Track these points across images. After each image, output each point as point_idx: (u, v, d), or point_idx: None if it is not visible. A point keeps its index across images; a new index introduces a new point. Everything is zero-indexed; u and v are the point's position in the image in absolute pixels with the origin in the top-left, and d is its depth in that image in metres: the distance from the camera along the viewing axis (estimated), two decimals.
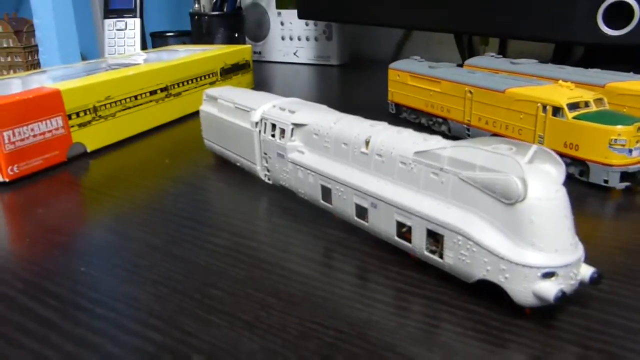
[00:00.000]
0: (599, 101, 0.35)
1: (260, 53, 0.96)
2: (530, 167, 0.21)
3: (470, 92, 0.42)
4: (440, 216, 0.23)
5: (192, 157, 0.43)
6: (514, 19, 0.59)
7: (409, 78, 0.49)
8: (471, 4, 0.60)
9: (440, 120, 0.46)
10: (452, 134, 0.45)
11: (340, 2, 0.72)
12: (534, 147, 0.21)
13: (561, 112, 0.35)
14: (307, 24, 0.88)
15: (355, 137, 0.27)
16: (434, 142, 0.24)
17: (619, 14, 0.53)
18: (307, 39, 0.89)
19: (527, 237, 0.20)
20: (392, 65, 0.51)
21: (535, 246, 0.20)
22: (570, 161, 0.35)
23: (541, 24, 0.58)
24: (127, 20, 0.75)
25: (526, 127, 0.37)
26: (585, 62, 0.68)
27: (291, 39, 0.91)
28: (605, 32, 0.54)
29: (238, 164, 0.38)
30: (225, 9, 0.77)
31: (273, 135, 0.33)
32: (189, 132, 0.51)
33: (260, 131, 0.34)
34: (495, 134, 0.40)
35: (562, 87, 0.36)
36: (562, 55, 0.73)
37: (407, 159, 0.25)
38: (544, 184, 0.20)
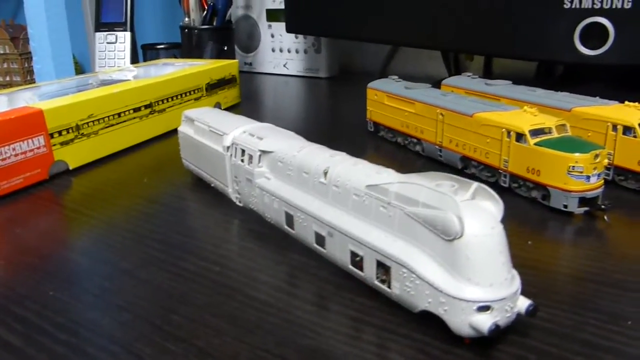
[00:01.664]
0: (561, 127, 0.36)
1: (251, 64, 0.97)
2: (469, 205, 0.22)
3: (442, 115, 0.43)
4: (387, 248, 0.24)
5: (171, 175, 0.44)
6: (497, 38, 0.60)
7: (386, 98, 0.50)
8: (456, 23, 0.62)
9: (415, 140, 0.47)
10: (425, 154, 0.46)
11: (327, 18, 0.73)
12: (475, 184, 0.23)
13: (524, 138, 0.36)
14: (296, 37, 0.90)
15: (316, 167, 0.29)
16: (386, 176, 0.25)
17: (596, 35, 0.55)
18: (297, 51, 0.91)
19: (464, 272, 0.21)
20: (370, 84, 0.52)
21: (471, 281, 0.21)
22: (533, 186, 0.36)
23: (522, 44, 0.59)
24: (118, 33, 0.76)
25: (493, 151, 0.38)
26: (566, 80, 0.69)
27: (281, 51, 0.92)
28: (583, 52, 0.55)
29: (212, 185, 0.39)
30: (214, 23, 0.78)
31: (243, 160, 0.34)
32: (171, 149, 0.52)
33: (231, 155, 0.35)
34: (465, 157, 0.41)
35: (527, 113, 0.37)
36: (545, 72, 0.74)
37: (360, 191, 0.26)
38: (480, 222, 0.21)
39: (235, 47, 0.97)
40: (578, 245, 0.31)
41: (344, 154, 0.29)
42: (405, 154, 0.48)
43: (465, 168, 0.42)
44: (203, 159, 0.39)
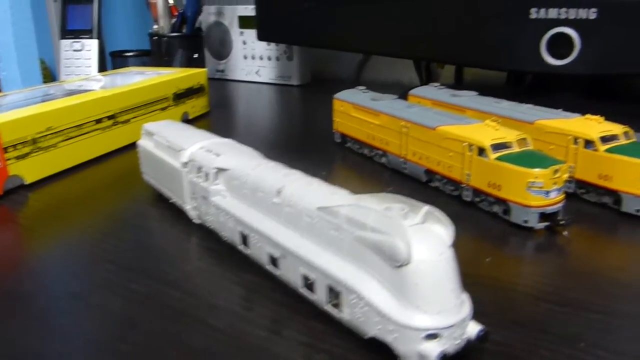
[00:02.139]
0: (522, 141, 0.36)
1: (223, 71, 0.96)
2: (417, 230, 0.21)
3: (406, 127, 0.42)
4: (338, 273, 0.23)
5: (131, 190, 0.43)
6: (466, 48, 0.60)
7: (352, 109, 0.50)
8: (426, 32, 0.62)
9: (381, 152, 0.47)
10: (391, 167, 0.46)
11: (299, 26, 0.73)
12: (425, 208, 0.22)
13: (485, 153, 0.35)
14: (268, 44, 0.89)
15: (270, 186, 0.28)
16: (338, 197, 0.25)
17: (562, 45, 0.55)
18: (269, 58, 0.90)
19: (412, 299, 0.21)
20: (336, 95, 0.52)
21: (420, 308, 0.21)
22: (495, 200, 0.36)
23: (490, 54, 0.59)
24: (84, 41, 0.75)
25: (455, 165, 0.38)
26: (535, 88, 0.69)
27: (253, 58, 0.92)
28: (549, 62, 0.56)
29: (171, 201, 0.38)
30: (184, 30, 0.77)
31: (199, 177, 0.33)
32: (135, 162, 0.51)
33: (188, 171, 0.35)
34: (429, 170, 0.41)
35: (489, 126, 0.37)
36: (514, 81, 0.75)
37: (312, 212, 0.25)
38: (429, 247, 0.21)
39: (208, 54, 0.96)
40: (536, 262, 0.31)
41: (298, 172, 0.29)
42: (372, 165, 0.48)
43: (430, 181, 0.42)
44: (162, 174, 0.38)
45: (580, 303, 0.27)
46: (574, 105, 0.60)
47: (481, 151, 0.36)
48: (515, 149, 0.35)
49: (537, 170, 0.33)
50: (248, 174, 0.30)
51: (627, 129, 0.38)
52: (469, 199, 0.38)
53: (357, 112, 0.49)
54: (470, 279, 0.28)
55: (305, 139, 0.58)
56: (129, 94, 0.55)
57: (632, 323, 0.25)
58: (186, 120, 0.65)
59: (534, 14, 0.56)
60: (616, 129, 0.37)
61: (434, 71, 0.83)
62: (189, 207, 0.36)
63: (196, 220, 0.36)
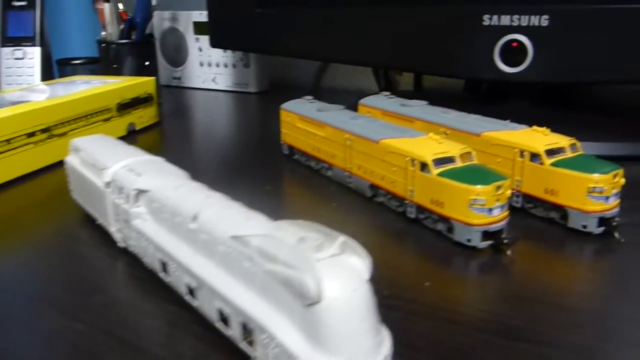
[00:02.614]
0: (466, 155, 0.35)
1: (179, 78, 0.93)
2: (331, 263, 0.19)
3: (350, 140, 0.41)
4: (249, 309, 0.21)
5: (61, 209, 0.41)
6: (422, 55, 0.59)
7: (298, 120, 0.48)
8: (382, 40, 0.60)
9: (326, 165, 0.45)
10: (336, 180, 0.44)
11: (252, 33, 0.71)
12: (341, 238, 0.20)
13: (427, 168, 0.34)
14: (224, 51, 0.87)
15: (187, 210, 0.26)
16: (254, 224, 0.23)
17: (516, 52, 0.54)
18: (225, 65, 0.88)
19: (323, 342, 0.19)
20: (283, 105, 0.50)
21: (331, 351, 0.19)
22: (438, 218, 0.34)
23: (446, 61, 0.58)
24: (26, 49, 0.72)
25: (399, 180, 0.36)
26: (491, 96, 0.68)
27: (209, 65, 0.89)
28: (503, 69, 0.55)
29: (97, 222, 0.36)
30: (133, 37, 0.74)
31: (121, 199, 0.31)
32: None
33: (111, 192, 0.32)
34: (373, 185, 0.39)
35: (432, 140, 0.36)
36: (472, 88, 0.74)
37: (226, 241, 0.23)
38: (342, 283, 0.19)
39: (163, 61, 0.93)
40: (478, 285, 0.30)
41: (220, 195, 0.27)
42: (319, 179, 0.46)
43: (375, 196, 0.40)
44: (87, 193, 0.36)
45: (523, 333, 0.25)
46: (528, 114, 0.60)
47: (423, 166, 0.34)
48: (459, 163, 0.34)
49: (479, 187, 0.31)
50: (168, 197, 0.27)
51: (573, 141, 0.36)
52: (412, 216, 0.36)
53: (302, 123, 0.47)
54: (407, 306, 0.26)
55: (255, 150, 0.56)
56: (66, 105, 0.52)
57: (578, 357, 0.24)
58: (132, 131, 0.62)
59: (487, 20, 0.55)
60: (562, 141, 0.36)
61: (393, 78, 0.81)
62: (114, 230, 0.33)
63: (121, 244, 0.33)
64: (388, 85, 0.81)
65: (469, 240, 0.32)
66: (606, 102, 0.69)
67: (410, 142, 0.36)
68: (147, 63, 0.77)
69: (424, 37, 0.58)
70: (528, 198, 0.37)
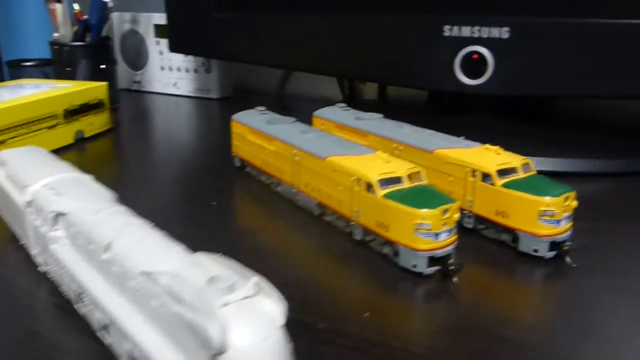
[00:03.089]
0: (415, 175, 0.33)
1: (139, 82, 0.90)
2: (240, 308, 0.17)
3: (298, 156, 0.39)
4: (157, 355, 0.19)
5: None
6: (383, 65, 0.57)
7: (248, 132, 0.46)
8: (344, 48, 0.58)
9: (276, 181, 0.43)
10: (285, 198, 0.42)
11: (213, 39, 0.68)
12: (254, 279, 0.18)
13: (373, 188, 0.32)
14: (185, 55, 0.84)
15: (102, 238, 0.24)
16: (169, 257, 0.21)
17: (476, 64, 0.53)
18: (187, 70, 0.85)
19: None
20: (234, 116, 0.48)
21: None
22: (384, 241, 0.33)
23: (407, 71, 0.57)
24: None
25: (345, 200, 0.35)
26: (453, 108, 0.67)
27: (170, 69, 0.87)
28: (463, 81, 0.53)
29: (20, 243, 0.33)
30: (88, 39, 0.71)
31: (40, 220, 0.29)
32: None
33: (31, 212, 0.30)
34: (320, 203, 0.37)
35: (380, 159, 0.34)
36: (436, 99, 0.72)
37: (136, 276, 0.21)
38: (251, 332, 0.17)
39: (124, 64, 0.91)
40: (419, 317, 0.28)
41: (140, 222, 0.25)
42: (269, 194, 0.44)
43: (323, 215, 0.38)
44: (11, 212, 0.33)
45: None
46: (489, 127, 0.58)
47: (369, 187, 0.32)
48: (406, 184, 0.32)
49: (425, 210, 0.30)
50: (84, 221, 0.25)
51: (526, 160, 0.35)
52: (359, 238, 0.35)
53: (253, 136, 0.45)
54: (341, 340, 0.25)
55: (208, 161, 0.53)
56: (7, 111, 0.49)
57: None
58: (81, 139, 0.59)
59: (447, 31, 0.53)
60: (515, 161, 0.35)
61: (357, 87, 0.80)
62: (35, 252, 0.31)
63: (42, 268, 0.31)
64: (352, 94, 0.79)
65: (414, 266, 0.31)
66: (569, 116, 0.68)
67: (357, 160, 0.34)
68: (102, 66, 0.74)
69: (384, 47, 0.56)
70: (480, 219, 0.36)
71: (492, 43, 0.51)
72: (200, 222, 0.39)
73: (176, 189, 0.45)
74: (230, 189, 0.45)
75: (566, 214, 0.32)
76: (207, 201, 0.43)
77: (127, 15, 0.88)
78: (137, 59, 0.89)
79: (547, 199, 0.32)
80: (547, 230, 0.32)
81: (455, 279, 0.30)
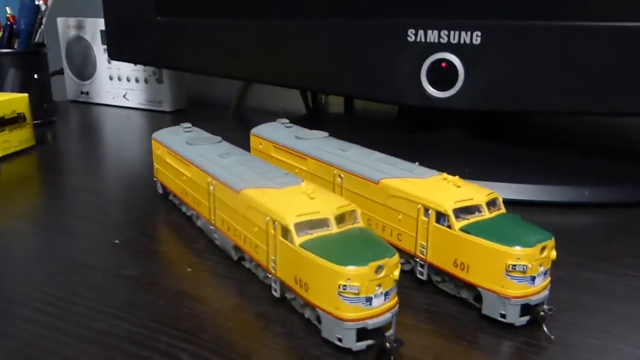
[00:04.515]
0: (349, 215, 0.25)
1: (87, 94, 0.82)
2: None
3: (213, 186, 0.31)
4: None
5: None
6: (344, 75, 0.50)
7: (167, 154, 0.38)
8: (299, 56, 0.51)
9: (195, 214, 0.35)
10: (205, 236, 0.34)
11: (156, 45, 0.61)
12: None
13: (289, 235, 0.24)
14: (135, 65, 0.76)
15: None
16: None
17: (446, 74, 0.45)
18: (137, 80, 0.77)
19: None
20: (155, 134, 0.40)
21: None
22: (304, 303, 0.25)
23: (368, 82, 0.49)
24: None
25: (261, 246, 0.27)
26: (423, 123, 0.59)
27: (119, 79, 0.79)
28: (431, 93, 0.46)
29: None
30: (16, 46, 0.63)
31: None
32: None
33: None
34: (237, 246, 0.30)
35: (303, 194, 0.26)
36: (406, 113, 0.65)
37: None
38: None
39: (70, 74, 0.83)
40: None
41: None
42: (191, 229, 0.36)
43: (243, 259, 0.31)
44: None
45: None
46: (461, 146, 0.51)
47: (285, 232, 0.25)
48: (333, 229, 0.25)
49: (351, 268, 0.22)
50: None
51: (493, 195, 0.27)
52: (277, 295, 0.27)
53: (171, 158, 0.37)
54: None
55: (136, 185, 0.45)
56: None
57: None
58: None
59: (412, 36, 0.46)
60: (478, 196, 0.27)
61: (321, 100, 0.73)
62: None
63: None
64: (316, 107, 0.72)
65: (340, 340, 0.23)
66: (550, 135, 0.61)
67: (276, 195, 0.27)
68: (35, 76, 0.66)
69: (342, 55, 0.49)
70: (435, 270, 0.28)
71: (462, 50, 0.44)
72: (91, 266, 0.31)
73: (81, 220, 0.37)
74: (147, 221, 0.38)
75: (542, 269, 0.25)
76: (111, 239, 0.35)
77: (73, 21, 0.80)
78: (84, 68, 0.82)
79: (518, 249, 0.24)
80: (517, 290, 0.24)
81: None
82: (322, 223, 0.25)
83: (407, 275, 0.30)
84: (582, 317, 0.26)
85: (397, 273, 0.23)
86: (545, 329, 0.25)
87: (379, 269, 0.22)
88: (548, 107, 0.43)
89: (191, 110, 0.79)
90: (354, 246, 0.24)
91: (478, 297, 0.26)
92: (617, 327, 0.25)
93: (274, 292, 0.27)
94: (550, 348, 0.24)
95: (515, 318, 0.25)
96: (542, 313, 0.24)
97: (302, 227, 0.24)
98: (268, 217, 0.26)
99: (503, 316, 0.25)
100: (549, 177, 0.42)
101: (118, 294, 0.28)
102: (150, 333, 0.25)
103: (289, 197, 0.26)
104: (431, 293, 0.28)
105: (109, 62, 0.79)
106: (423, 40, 0.46)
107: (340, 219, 0.25)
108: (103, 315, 0.26)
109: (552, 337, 0.24)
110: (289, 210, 0.25)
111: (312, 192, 0.26)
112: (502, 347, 0.24)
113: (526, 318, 0.25)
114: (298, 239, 0.24)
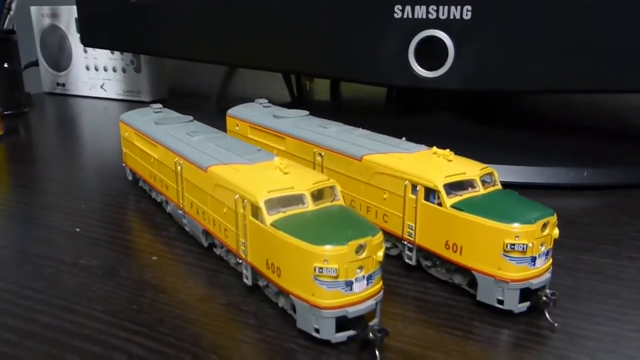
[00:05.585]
0: (327, 191, 0.22)
1: (64, 85, 0.79)
2: None
3: (180, 165, 0.28)
4: None
5: None
6: (327, 55, 0.47)
7: (135, 136, 0.35)
8: (282, 37, 0.48)
9: (164, 198, 0.32)
10: (175, 222, 0.31)
11: (128, 28, 0.58)
12: None
13: (260, 213, 0.21)
14: (112, 52, 0.73)
15: None
16: None
17: (435, 53, 0.43)
18: (114, 69, 0.74)
19: None
20: (122, 116, 0.37)
21: None
22: (278, 290, 0.22)
23: (354, 63, 0.46)
24: None
25: (230, 228, 0.24)
26: (414, 107, 0.57)
27: (97, 69, 0.76)
28: (419, 73, 0.43)
29: None
30: None
31: None
32: None
33: None
34: (207, 231, 0.27)
35: (276, 168, 0.23)
36: (395, 98, 0.62)
37: None
38: None
39: (45, 65, 0.79)
40: None
41: None
42: (161, 216, 0.33)
43: (214, 246, 0.28)
44: None
45: None
46: (452, 129, 0.48)
47: (255, 211, 0.22)
48: (309, 206, 0.22)
49: (328, 247, 0.19)
50: None
51: (487, 170, 0.25)
52: (249, 283, 0.24)
53: (139, 140, 0.34)
54: None
55: (104, 175, 0.42)
56: None
57: None
58: None
59: (398, 12, 0.43)
60: (471, 170, 0.24)
61: (305, 86, 0.70)
62: None
63: None
64: (300, 94, 0.69)
65: (317, 331, 0.20)
66: (546, 117, 0.58)
67: (245, 171, 0.24)
68: (5, 65, 0.63)
69: (326, 33, 0.46)
70: (424, 252, 0.25)
71: (451, 26, 0.41)
72: (45, 256, 0.28)
73: (43, 214, 0.34)
74: (115, 210, 0.35)
75: (544, 249, 0.22)
76: (72, 228, 0.32)
77: (46, 9, 0.77)
78: (60, 58, 0.78)
79: (516, 227, 0.21)
80: (516, 272, 0.22)
81: (377, 353, 0.20)
82: (296, 200, 0.22)
83: (394, 260, 0.27)
84: (588, 304, 0.24)
85: (380, 254, 0.20)
86: (547, 315, 0.22)
87: (360, 248, 0.20)
88: (543, 85, 0.41)
89: (172, 100, 0.76)
90: (332, 225, 0.21)
91: (472, 283, 0.23)
92: (628, 314, 0.23)
93: (245, 280, 0.24)
94: (553, 337, 0.21)
95: (514, 304, 0.22)
96: (544, 298, 0.22)
97: (273, 204, 0.21)
98: (237, 195, 0.23)
99: (500, 302, 0.22)
100: (545, 159, 0.40)
101: (72, 286, 0.25)
102: (104, 327, 0.22)
103: (260, 173, 0.24)
104: (421, 280, 0.26)
105: (85, 52, 0.76)
106: (410, 16, 0.43)
107: (317, 195, 0.22)
108: (53, 309, 0.23)
109: (556, 324, 0.22)
110: (260, 186, 0.22)
111: (286, 167, 0.23)
112: (500, 337, 0.22)
113: (526, 304, 0.22)
114: (269, 218, 0.21)
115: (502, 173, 0.38)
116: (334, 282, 0.19)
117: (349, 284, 0.20)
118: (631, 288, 0.25)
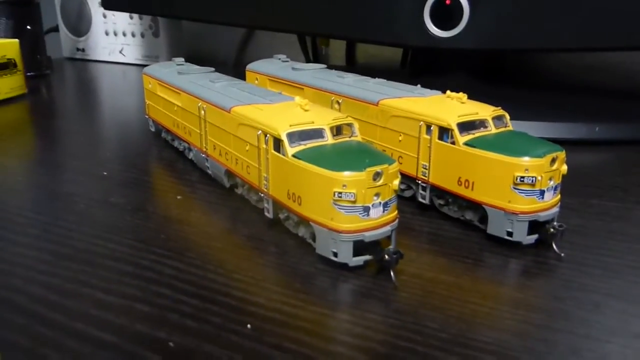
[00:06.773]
0: (346, 128, 0.24)
1: (83, 50, 0.81)
2: None
3: (203, 110, 0.29)
4: None
5: None
6: (341, 17, 0.48)
7: (158, 87, 0.36)
8: (304, 3, 0.49)
9: (187, 145, 0.34)
10: (198, 169, 0.33)
11: None
12: None
13: (282, 146, 0.23)
14: (131, 17, 0.74)
15: None
16: None
17: (450, 11, 0.43)
18: (133, 34, 0.75)
19: None
20: (146, 69, 0.38)
21: None
22: (299, 219, 0.23)
23: (368, 23, 0.47)
24: None
25: (253, 165, 0.25)
26: (429, 68, 0.57)
27: (116, 34, 0.77)
28: (434, 33, 0.44)
29: None
30: None
31: None
32: None
33: None
34: (229, 171, 0.28)
35: (296, 106, 0.25)
36: (410, 61, 0.63)
37: None
38: None
39: (65, 30, 0.81)
40: (342, 332, 0.19)
41: None
42: (183, 164, 0.35)
43: (236, 187, 0.29)
44: None
45: None
46: (468, 89, 0.48)
47: (277, 144, 0.23)
48: (329, 140, 0.23)
49: (346, 174, 0.20)
50: None
51: (499, 111, 0.26)
52: (270, 216, 0.25)
53: (162, 90, 0.36)
54: None
55: (126, 129, 0.44)
56: None
57: None
58: None
59: None
60: (483, 111, 0.25)
61: (322, 51, 0.70)
62: None
63: None
64: (316, 59, 0.70)
65: (335, 255, 0.21)
66: (559, 75, 0.59)
67: (268, 110, 0.25)
68: (28, 27, 0.64)
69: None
70: (438, 191, 0.26)
71: None
72: (76, 194, 0.29)
73: (70, 160, 0.36)
74: (136, 158, 0.36)
75: (552, 183, 0.23)
76: (99, 172, 0.33)
77: None
78: (79, 24, 0.79)
79: (526, 160, 0.22)
80: (525, 204, 0.23)
81: (393, 278, 0.21)
82: (316, 134, 0.23)
83: (409, 202, 0.28)
84: (595, 240, 0.25)
85: (396, 183, 0.21)
86: (554, 247, 0.23)
87: (377, 175, 0.21)
88: (558, 44, 0.41)
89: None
90: (350, 155, 0.22)
91: (483, 219, 0.25)
92: (633, 248, 0.24)
93: (266, 214, 0.25)
94: (560, 265, 0.22)
95: (523, 236, 0.23)
96: (551, 230, 0.23)
97: (294, 137, 0.23)
98: (259, 131, 0.24)
99: (510, 234, 0.23)
100: (558, 114, 0.40)
101: (103, 218, 0.27)
102: (135, 252, 0.23)
103: (282, 110, 0.25)
104: (434, 218, 0.27)
105: (104, 17, 0.77)
106: None
107: (336, 130, 0.24)
108: (86, 237, 0.25)
109: (562, 254, 0.23)
110: (282, 121, 0.23)
111: (306, 104, 0.24)
112: (509, 265, 0.23)
113: (535, 236, 0.23)
114: (291, 150, 0.22)
115: (516, 128, 0.39)
116: (352, 206, 0.21)
117: (366, 210, 0.21)
118: (637, 227, 0.26)
